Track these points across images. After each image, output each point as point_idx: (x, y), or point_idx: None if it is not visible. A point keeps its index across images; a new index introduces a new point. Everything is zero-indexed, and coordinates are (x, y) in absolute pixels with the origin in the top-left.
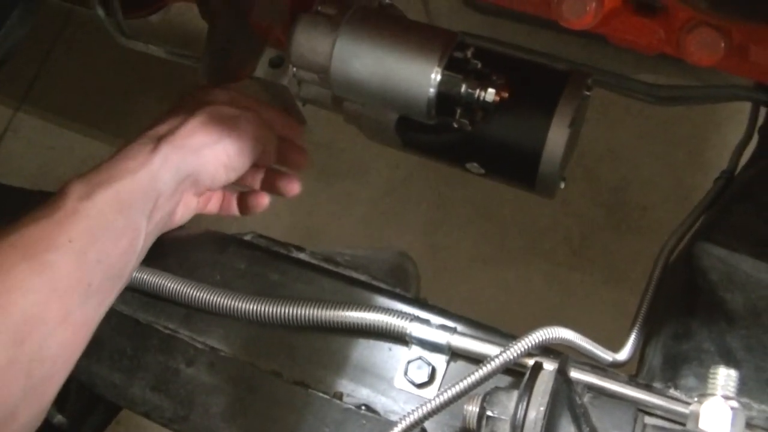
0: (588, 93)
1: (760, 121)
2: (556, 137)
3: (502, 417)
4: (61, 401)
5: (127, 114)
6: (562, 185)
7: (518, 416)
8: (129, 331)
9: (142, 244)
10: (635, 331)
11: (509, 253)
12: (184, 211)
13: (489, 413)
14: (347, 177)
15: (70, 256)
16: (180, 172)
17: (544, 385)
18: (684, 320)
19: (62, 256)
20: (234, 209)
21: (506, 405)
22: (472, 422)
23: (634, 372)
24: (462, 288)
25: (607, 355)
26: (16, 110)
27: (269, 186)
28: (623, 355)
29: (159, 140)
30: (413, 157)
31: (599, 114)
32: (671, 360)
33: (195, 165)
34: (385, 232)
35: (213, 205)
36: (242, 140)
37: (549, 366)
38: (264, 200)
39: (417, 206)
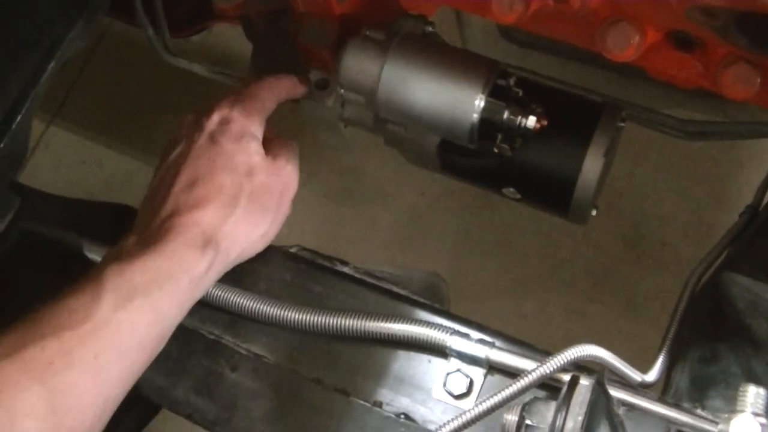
0: (622, 124)
1: None
2: (591, 166)
3: (541, 426)
4: None
5: (157, 129)
6: (594, 213)
7: (557, 425)
8: (175, 335)
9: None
10: (663, 353)
11: (529, 283)
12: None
13: (528, 422)
14: (372, 202)
15: (91, 373)
16: (222, 272)
17: (581, 397)
18: (711, 345)
19: (82, 374)
20: None
21: (545, 415)
22: (511, 431)
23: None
24: (481, 316)
25: (637, 375)
26: (49, 124)
27: None
28: (652, 376)
29: (206, 243)
30: (438, 185)
31: (622, 148)
32: (698, 382)
33: (241, 257)
34: (408, 257)
35: None
36: (286, 211)
37: (586, 381)
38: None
39: (440, 233)
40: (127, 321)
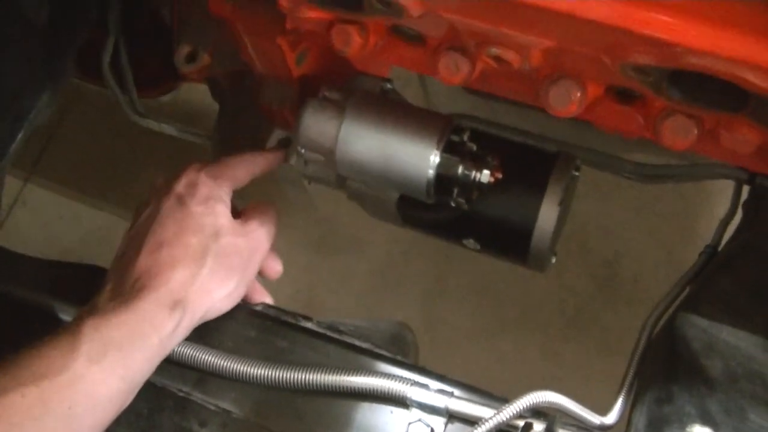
0: (576, 173)
1: (743, 197)
2: (547, 215)
3: None
4: None
5: (133, 184)
6: (554, 260)
7: None
8: (145, 394)
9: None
10: (622, 395)
11: (504, 325)
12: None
13: None
14: (346, 251)
15: (64, 423)
16: (189, 329)
17: None
18: (666, 386)
19: (56, 423)
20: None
21: None
22: None
23: None
24: (458, 359)
25: (595, 419)
26: (26, 181)
27: None
28: (610, 418)
29: (175, 304)
30: (411, 233)
31: (591, 189)
32: (654, 423)
33: (207, 315)
34: (384, 304)
35: None
36: (253, 272)
37: (539, 426)
38: (276, 266)
39: (415, 280)
40: (100, 375)
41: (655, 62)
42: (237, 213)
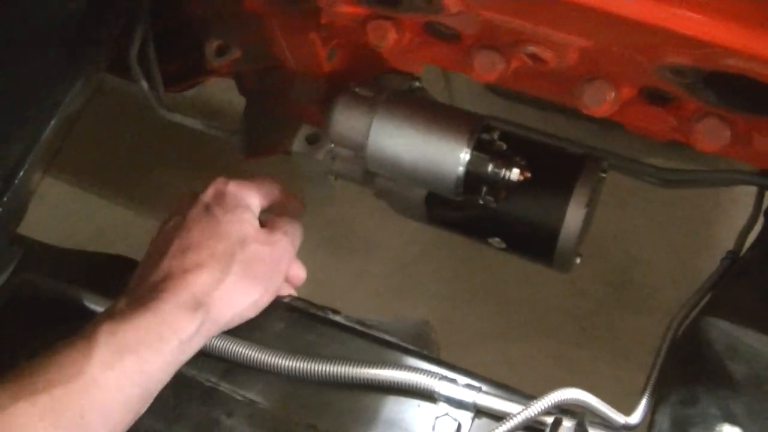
0: (603, 175)
1: (765, 204)
2: (574, 216)
3: None
4: None
5: (150, 181)
6: (578, 261)
7: None
8: (172, 383)
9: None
10: (646, 395)
11: (516, 330)
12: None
13: None
14: (361, 252)
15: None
16: (210, 337)
17: None
18: (691, 387)
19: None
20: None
21: None
22: None
23: None
24: (469, 361)
25: (620, 418)
26: (43, 175)
27: None
28: (635, 418)
29: (197, 306)
30: (425, 234)
31: (608, 196)
32: (679, 423)
33: (229, 325)
34: (396, 305)
35: None
36: (279, 281)
37: (568, 423)
38: (301, 273)
39: (428, 282)
40: (115, 382)
41: (692, 63)
42: (262, 223)
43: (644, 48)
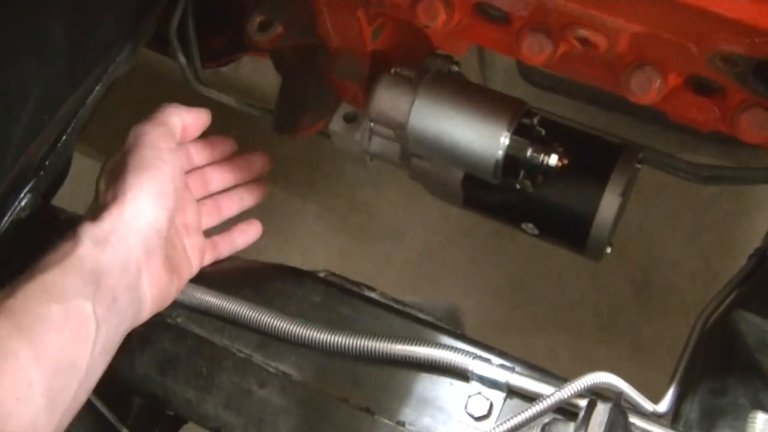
0: (639, 166)
1: None
2: (608, 204)
3: None
4: (125, 415)
5: None
6: (609, 250)
7: None
8: (205, 353)
9: (95, 333)
10: (674, 385)
11: (537, 324)
12: (158, 290)
13: None
14: (385, 239)
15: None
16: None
17: (600, 417)
18: (721, 378)
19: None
20: (233, 246)
21: None
22: None
23: None
24: None
25: (649, 405)
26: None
27: (236, 206)
28: (663, 407)
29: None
30: (450, 224)
31: (633, 194)
32: (708, 413)
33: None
34: (419, 294)
35: (208, 257)
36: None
37: (602, 405)
38: (253, 227)
39: (451, 271)
40: (18, 304)
41: (744, 52)
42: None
43: (697, 35)
